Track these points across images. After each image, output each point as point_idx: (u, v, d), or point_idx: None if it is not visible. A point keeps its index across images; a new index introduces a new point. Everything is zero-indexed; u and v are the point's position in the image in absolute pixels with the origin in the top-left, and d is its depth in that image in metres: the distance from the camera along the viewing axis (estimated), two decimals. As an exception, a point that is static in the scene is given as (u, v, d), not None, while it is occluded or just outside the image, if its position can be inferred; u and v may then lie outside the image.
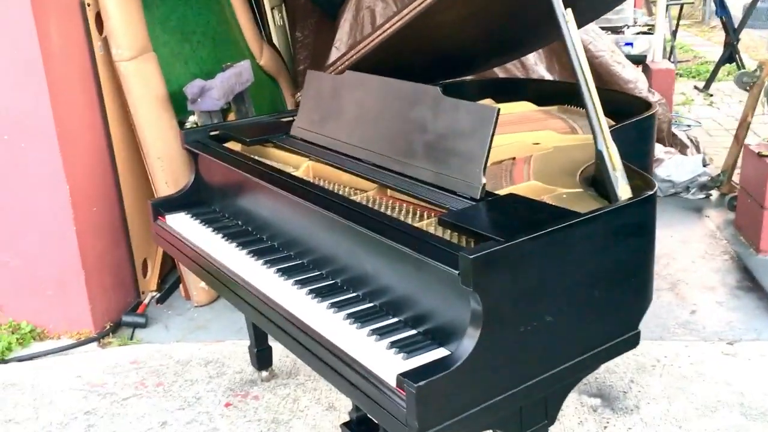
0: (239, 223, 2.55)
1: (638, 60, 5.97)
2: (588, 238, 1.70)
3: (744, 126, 4.91)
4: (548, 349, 1.71)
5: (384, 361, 1.67)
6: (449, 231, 1.84)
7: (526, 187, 2.05)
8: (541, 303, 1.66)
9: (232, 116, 4.06)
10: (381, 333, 1.76)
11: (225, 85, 3.80)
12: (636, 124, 2.48)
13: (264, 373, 3.17)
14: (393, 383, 1.60)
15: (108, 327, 3.66)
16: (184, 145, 2.76)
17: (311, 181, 2.39)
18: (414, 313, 1.78)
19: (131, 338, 3.64)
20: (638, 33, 6.63)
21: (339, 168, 2.33)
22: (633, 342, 1.87)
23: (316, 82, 2.58)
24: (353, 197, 2.17)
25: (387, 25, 2.67)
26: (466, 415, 1.59)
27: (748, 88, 4.82)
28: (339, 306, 1.90)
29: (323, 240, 2.07)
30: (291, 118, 2.94)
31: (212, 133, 2.83)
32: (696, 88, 8.53)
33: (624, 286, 1.82)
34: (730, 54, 8.50)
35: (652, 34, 6.35)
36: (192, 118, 3.82)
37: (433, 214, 2.04)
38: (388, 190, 2.22)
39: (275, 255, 2.25)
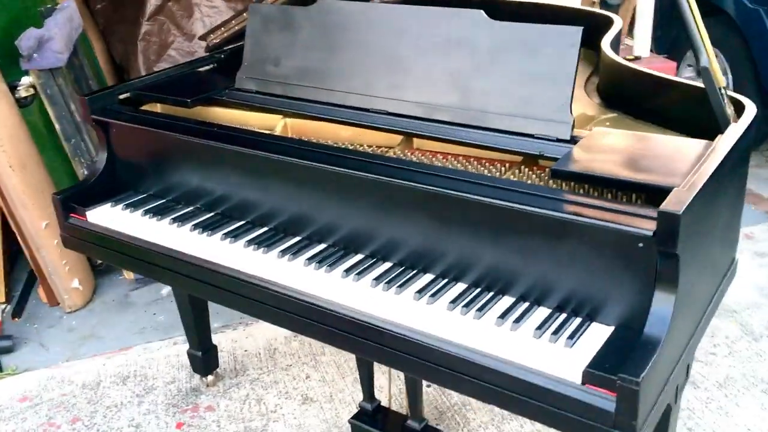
0: (199, 207, 2.00)
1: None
2: (734, 159, 1.52)
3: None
4: (705, 286, 1.54)
5: (545, 354, 1.36)
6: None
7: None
8: (710, 239, 1.48)
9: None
10: (517, 320, 1.44)
11: (63, 32, 3.00)
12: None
13: (209, 378, 2.65)
14: (573, 380, 1.31)
15: (-35, 362, 2.84)
16: (92, 116, 2.09)
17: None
18: (544, 290, 1.48)
19: (0, 370, 2.86)
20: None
21: (347, 123, 1.88)
22: (734, 270, 1.76)
23: (267, 18, 2.05)
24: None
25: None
26: (662, 391, 1.36)
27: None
28: (467, 305, 1.50)
29: (397, 224, 1.63)
30: (209, 67, 2.39)
31: (121, 97, 2.18)
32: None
33: (738, 208, 1.70)
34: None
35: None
36: (26, 80, 2.99)
37: (501, 165, 1.72)
38: (414, 143, 1.85)
39: (311, 250, 1.77)
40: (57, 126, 3.04)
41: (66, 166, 3.26)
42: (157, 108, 2.24)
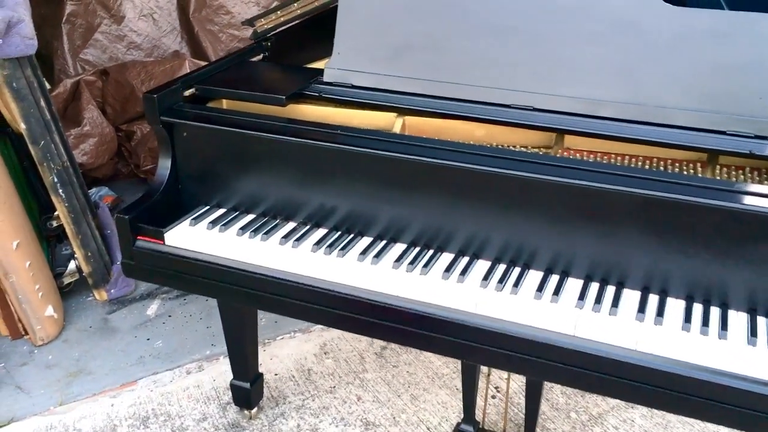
0: (304, 222, 1.73)
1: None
2: None
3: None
4: None
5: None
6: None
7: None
8: None
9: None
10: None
11: (31, 15, 2.51)
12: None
13: (253, 410, 2.33)
14: None
15: (-66, 419, 2.32)
16: (161, 118, 1.73)
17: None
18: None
19: (-26, 422, 2.36)
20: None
21: (484, 121, 1.68)
22: None
23: None
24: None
25: None
26: None
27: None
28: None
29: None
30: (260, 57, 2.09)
31: (186, 93, 1.83)
32: None
33: None
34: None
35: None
36: (-15, 71, 2.46)
37: (738, 170, 1.59)
38: (566, 142, 1.69)
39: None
40: (23, 126, 2.54)
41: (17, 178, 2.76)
42: (223, 105, 1.91)
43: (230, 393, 2.35)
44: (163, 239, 1.70)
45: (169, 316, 2.88)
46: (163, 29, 4.06)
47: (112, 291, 2.93)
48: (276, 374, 2.55)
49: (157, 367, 2.59)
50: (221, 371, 2.55)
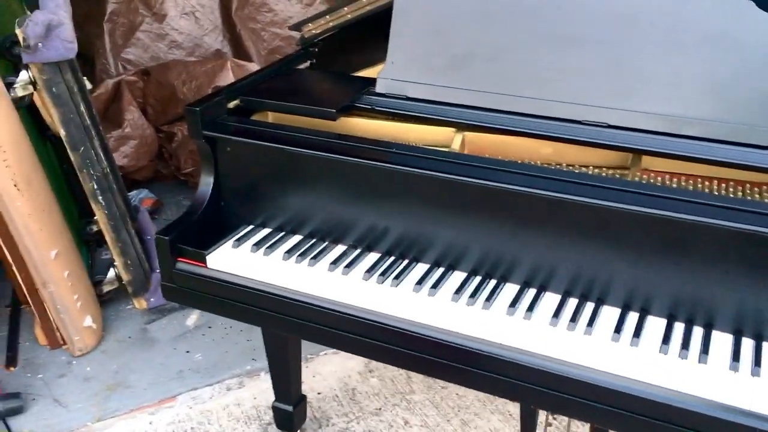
0: (354, 246, 1.61)
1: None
2: None
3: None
4: None
5: None
6: None
7: None
8: None
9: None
10: None
11: (71, 16, 2.43)
12: None
13: (296, 432, 2.23)
14: None
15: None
16: (203, 132, 1.62)
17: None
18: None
19: (12, 437, 2.30)
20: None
21: (554, 139, 1.53)
22: None
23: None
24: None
25: None
26: None
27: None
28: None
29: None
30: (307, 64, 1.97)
31: (231, 105, 1.72)
32: None
33: None
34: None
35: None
36: (24, 76, 2.39)
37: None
38: (643, 162, 1.54)
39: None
40: (62, 132, 2.47)
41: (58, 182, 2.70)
42: (268, 117, 1.79)
43: (271, 413, 2.25)
44: (205, 262, 1.60)
45: (209, 327, 2.80)
46: (205, 28, 3.97)
47: (152, 300, 2.85)
48: (319, 393, 2.44)
49: (197, 383, 2.51)
50: (262, 389, 2.45)
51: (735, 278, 1.28)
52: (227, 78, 3.57)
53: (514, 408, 2.30)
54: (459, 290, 1.45)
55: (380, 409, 2.36)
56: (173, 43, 3.92)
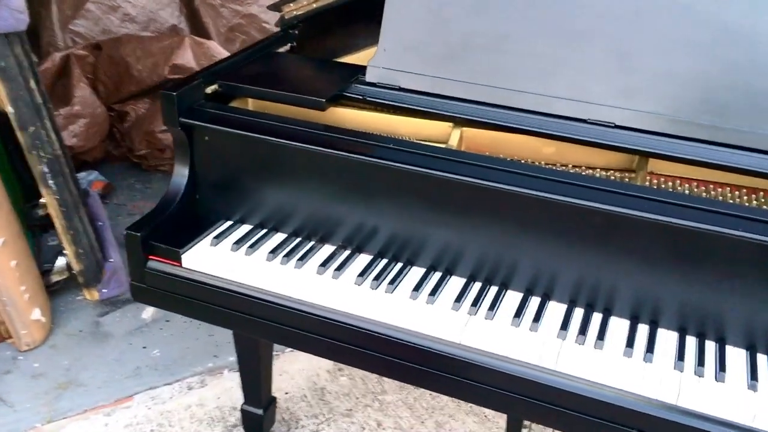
0: (343, 246, 1.50)
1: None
2: None
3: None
4: None
5: None
6: None
7: None
8: None
9: None
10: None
11: (22, -15, 2.23)
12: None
13: (264, 436, 2.12)
14: None
15: None
16: (180, 120, 1.48)
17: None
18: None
19: (-48, 441, 2.12)
20: None
21: (554, 137, 1.45)
22: None
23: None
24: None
25: None
26: None
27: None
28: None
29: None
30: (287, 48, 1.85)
31: (209, 90, 1.58)
32: None
33: None
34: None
35: None
36: (-32, 48, 2.19)
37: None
38: (650, 165, 1.47)
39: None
40: (10, 109, 2.27)
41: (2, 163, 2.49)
42: (248, 104, 1.66)
43: (237, 414, 2.14)
44: (180, 261, 1.47)
45: (167, 321, 2.65)
46: (160, 1, 3.75)
47: (104, 291, 2.68)
48: (287, 393, 2.33)
49: (155, 381, 2.36)
50: (226, 387, 2.33)
51: (747, 290, 1.23)
52: (185, 56, 3.39)
53: (489, 410, 2.24)
54: (459, 298, 1.36)
55: (351, 410, 2.27)
56: (126, 16, 3.69)
